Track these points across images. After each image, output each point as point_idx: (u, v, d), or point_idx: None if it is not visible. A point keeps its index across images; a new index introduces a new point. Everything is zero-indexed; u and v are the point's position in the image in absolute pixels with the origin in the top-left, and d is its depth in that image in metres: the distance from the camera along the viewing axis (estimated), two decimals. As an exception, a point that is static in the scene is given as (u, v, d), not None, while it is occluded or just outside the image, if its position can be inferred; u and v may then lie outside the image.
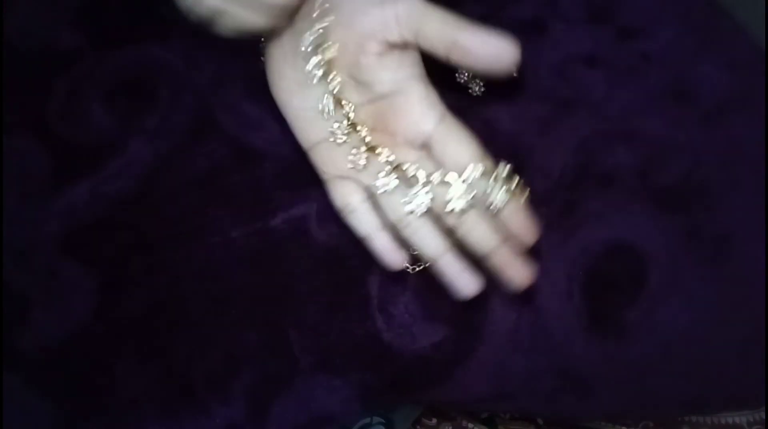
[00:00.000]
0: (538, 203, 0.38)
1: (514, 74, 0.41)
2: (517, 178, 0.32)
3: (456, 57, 0.31)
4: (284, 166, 0.39)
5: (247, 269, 0.38)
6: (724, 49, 0.42)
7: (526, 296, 0.36)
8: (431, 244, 0.33)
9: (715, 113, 0.39)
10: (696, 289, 0.36)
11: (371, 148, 0.32)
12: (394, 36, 0.31)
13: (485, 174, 0.31)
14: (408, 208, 0.32)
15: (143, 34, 0.43)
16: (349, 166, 0.33)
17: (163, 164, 0.40)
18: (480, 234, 0.32)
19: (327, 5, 0.32)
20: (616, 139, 0.39)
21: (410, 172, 0.32)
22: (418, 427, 0.72)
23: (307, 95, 0.33)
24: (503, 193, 0.31)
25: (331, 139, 0.33)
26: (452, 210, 0.31)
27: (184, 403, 0.36)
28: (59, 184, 0.40)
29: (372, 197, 0.33)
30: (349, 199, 0.33)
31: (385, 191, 0.32)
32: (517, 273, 0.33)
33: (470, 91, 0.41)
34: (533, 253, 0.37)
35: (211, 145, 0.40)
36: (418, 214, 0.32)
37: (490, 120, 0.40)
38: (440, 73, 0.41)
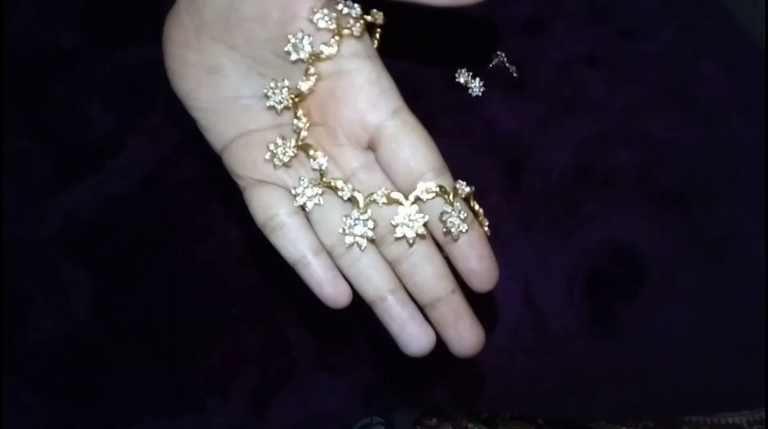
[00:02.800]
0: (538, 203, 0.38)
1: (515, 74, 0.42)
2: (477, 205, 0.26)
3: None
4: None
5: (247, 269, 0.38)
6: (724, 49, 0.42)
7: (527, 297, 0.36)
8: (374, 281, 0.26)
9: (715, 113, 0.39)
10: (696, 289, 0.36)
11: (303, 147, 0.26)
12: None
13: (442, 193, 0.25)
14: (347, 240, 0.25)
15: (143, 35, 0.43)
16: (266, 156, 0.26)
17: (163, 164, 0.40)
18: (427, 275, 0.26)
19: None
20: (616, 139, 0.39)
21: (345, 194, 0.26)
22: (418, 427, 0.72)
23: (218, 84, 0.27)
24: (462, 219, 0.25)
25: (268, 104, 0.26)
26: (401, 237, 0.25)
27: (184, 403, 0.36)
28: (59, 184, 0.40)
29: (303, 210, 0.27)
30: (275, 211, 0.26)
31: (315, 205, 0.26)
32: (464, 335, 0.26)
33: (470, 91, 0.41)
34: (533, 254, 0.37)
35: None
36: (359, 245, 0.25)
37: (490, 120, 0.40)
38: (440, 74, 0.41)
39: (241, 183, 0.27)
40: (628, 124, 0.39)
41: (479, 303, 0.36)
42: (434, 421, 0.72)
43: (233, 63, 0.26)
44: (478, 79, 0.41)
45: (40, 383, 0.37)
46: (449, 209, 0.25)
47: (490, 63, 0.42)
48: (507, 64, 0.41)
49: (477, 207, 0.26)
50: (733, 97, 0.40)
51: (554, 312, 0.36)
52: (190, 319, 0.37)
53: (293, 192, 0.26)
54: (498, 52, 0.42)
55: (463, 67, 0.41)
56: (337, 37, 0.25)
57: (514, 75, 0.41)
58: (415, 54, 0.42)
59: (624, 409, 0.39)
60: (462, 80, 0.41)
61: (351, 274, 0.26)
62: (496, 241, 0.37)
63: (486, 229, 0.27)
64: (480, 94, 0.40)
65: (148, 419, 0.36)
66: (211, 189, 0.39)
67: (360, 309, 0.36)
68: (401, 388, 0.37)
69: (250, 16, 0.25)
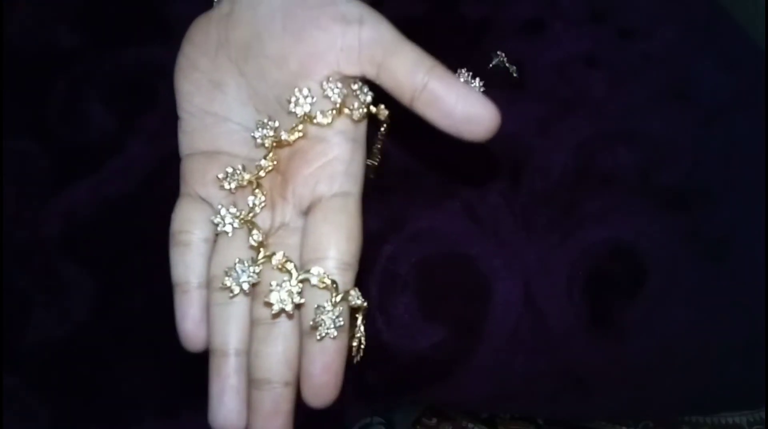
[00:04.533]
0: (538, 203, 0.38)
1: (515, 74, 0.42)
2: (360, 319, 0.25)
3: (422, 105, 0.25)
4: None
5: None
6: (724, 49, 0.42)
7: (527, 297, 0.36)
8: (227, 331, 0.25)
9: (715, 113, 0.39)
10: (696, 289, 0.36)
11: (253, 183, 0.26)
12: (352, 65, 0.25)
13: (329, 288, 0.24)
14: (225, 280, 0.24)
15: (143, 35, 0.43)
16: (220, 175, 0.26)
17: (162, 164, 0.40)
18: (272, 352, 0.25)
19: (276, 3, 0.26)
20: (616, 139, 0.39)
21: (253, 240, 0.25)
22: (418, 427, 0.72)
23: (214, 98, 0.27)
24: (334, 324, 0.24)
25: (258, 140, 0.26)
26: (268, 303, 0.24)
27: (184, 403, 0.36)
28: (59, 184, 0.40)
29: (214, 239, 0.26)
30: (191, 228, 0.27)
31: (223, 233, 0.26)
32: None
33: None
34: (533, 254, 0.37)
35: (211, 145, 0.40)
36: (232, 291, 0.25)
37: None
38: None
39: (183, 190, 0.28)
40: (628, 124, 0.39)
41: (478, 302, 0.36)
42: (434, 421, 0.72)
43: (237, 87, 0.27)
44: (478, 79, 0.41)
45: (40, 383, 0.37)
46: (328, 307, 0.24)
47: (490, 63, 0.42)
48: (507, 64, 0.41)
49: (361, 326, 0.25)
50: (733, 97, 0.40)
51: (554, 312, 0.36)
52: (190, 319, 0.37)
53: (217, 208, 0.26)
54: (498, 52, 0.42)
55: (463, 67, 0.41)
56: (335, 112, 0.26)
57: (514, 75, 0.41)
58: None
59: (624, 409, 0.39)
60: (462, 80, 0.41)
61: (213, 312, 0.26)
62: (496, 241, 0.37)
63: (358, 350, 0.26)
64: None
65: (148, 419, 0.36)
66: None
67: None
68: (401, 388, 0.37)
69: (270, 54, 0.26)
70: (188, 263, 0.27)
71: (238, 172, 0.26)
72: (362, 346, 0.26)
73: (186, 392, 0.36)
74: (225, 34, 0.27)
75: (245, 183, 0.26)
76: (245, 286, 0.24)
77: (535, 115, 0.40)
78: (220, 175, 0.27)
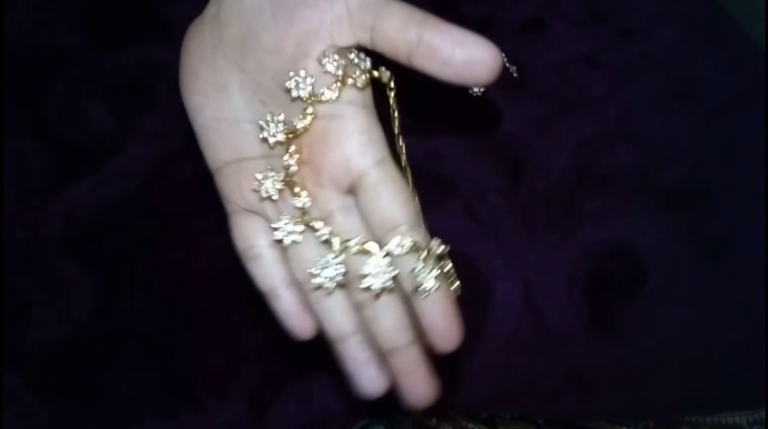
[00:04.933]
0: (538, 203, 0.38)
1: (515, 74, 0.42)
2: (449, 263, 0.26)
3: (420, 60, 0.25)
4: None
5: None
6: (724, 49, 0.42)
7: (527, 297, 0.36)
8: (337, 321, 0.26)
9: (715, 113, 0.39)
10: (696, 289, 0.36)
11: (289, 184, 0.26)
12: (345, 35, 0.26)
13: (415, 249, 0.25)
14: (315, 280, 0.26)
15: (143, 35, 0.43)
16: (253, 186, 0.27)
17: (163, 164, 0.40)
18: (388, 324, 0.26)
19: None
20: (616, 139, 0.39)
21: (321, 236, 0.26)
22: (418, 427, 0.72)
23: (223, 103, 0.27)
24: (432, 277, 0.25)
25: (264, 137, 0.26)
26: (367, 288, 0.25)
27: (184, 402, 0.36)
28: (59, 184, 0.40)
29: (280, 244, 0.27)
30: (254, 242, 0.27)
31: (292, 242, 0.26)
32: (417, 386, 0.27)
33: (470, 91, 0.41)
34: (533, 254, 0.37)
35: (211, 145, 0.40)
36: (325, 289, 0.26)
37: (490, 120, 0.40)
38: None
39: (228, 207, 0.28)
40: (628, 124, 0.39)
41: (479, 302, 0.36)
42: (434, 421, 0.72)
43: (240, 85, 0.27)
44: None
45: (40, 383, 0.37)
46: (420, 266, 0.25)
47: (490, 63, 0.42)
48: (507, 64, 0.41)
49: (449, 265, 0.26)
50: (733, 96, 0.40)
51: (554, 312, 0.36)
52: (190, 319, 0.37)
53: (273, 225, 0.26)
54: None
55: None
56: (339, 84, 0.26)
57: (514, 75, 0.41)
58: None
59: (624, 409, 0.39)
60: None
61: (317, 309, 0.27)
62: (496, 241, 0.37)
63: (456, 286, 0.27)
64: (480, 94, 0.40)
65: (148, 419, 0.36)
66: (212, 189, 0.39)
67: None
68: (401, 388, 0.37)
69: (266, 45, 0.26)
70: (268, 273, 0.28)
71: (269, 178, 0.26)
72: (457, 282, 0.27)
73: (186, 392, 0.36)
74: (218, 34, 0.27)
75: (281, 187, 0.26)
76: (336, 282, 0.25)
77: (535, 115, 0.40)
78: (254, 186, 0.27)
